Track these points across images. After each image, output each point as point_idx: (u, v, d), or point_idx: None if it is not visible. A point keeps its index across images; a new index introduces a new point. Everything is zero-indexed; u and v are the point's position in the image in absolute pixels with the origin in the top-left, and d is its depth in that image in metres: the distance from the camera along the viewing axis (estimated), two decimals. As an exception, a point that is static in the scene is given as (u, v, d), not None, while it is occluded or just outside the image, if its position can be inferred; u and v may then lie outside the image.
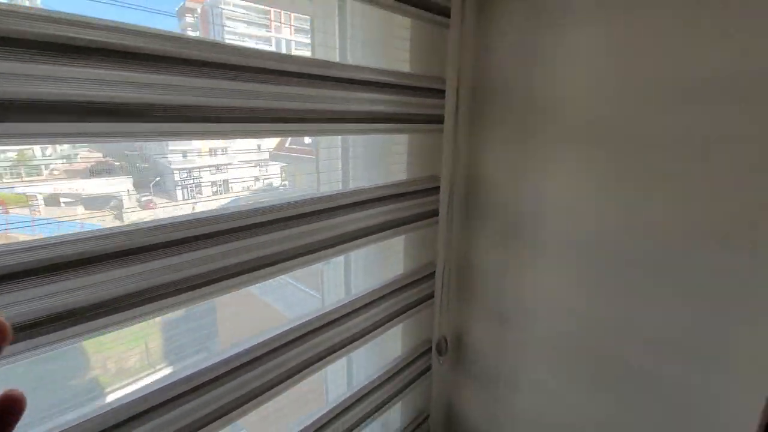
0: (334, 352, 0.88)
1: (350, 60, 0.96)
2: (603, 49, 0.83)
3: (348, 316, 0.90)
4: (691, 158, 0.75)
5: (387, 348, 1.17)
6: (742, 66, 0.67)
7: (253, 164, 1.00)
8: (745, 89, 0.68)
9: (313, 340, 0.83)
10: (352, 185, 1.03)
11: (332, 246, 0.80)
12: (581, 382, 1.00)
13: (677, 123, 0.75)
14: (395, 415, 1.25)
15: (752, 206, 0.70)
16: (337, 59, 0.95)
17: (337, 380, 1.19)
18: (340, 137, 1.00)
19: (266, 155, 1.02)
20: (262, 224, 0.67)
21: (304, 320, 0.80)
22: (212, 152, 0.96)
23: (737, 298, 0.74)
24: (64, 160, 0.78)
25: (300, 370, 0.81)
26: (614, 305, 0.90)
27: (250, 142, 0.99)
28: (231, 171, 0.95)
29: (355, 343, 0.93)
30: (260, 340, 0.73)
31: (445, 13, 0.93)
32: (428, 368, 1.24)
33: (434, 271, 1.15)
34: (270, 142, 1.04)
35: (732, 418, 0.78)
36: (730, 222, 0.72)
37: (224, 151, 0.96)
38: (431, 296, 1.16)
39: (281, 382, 0.77)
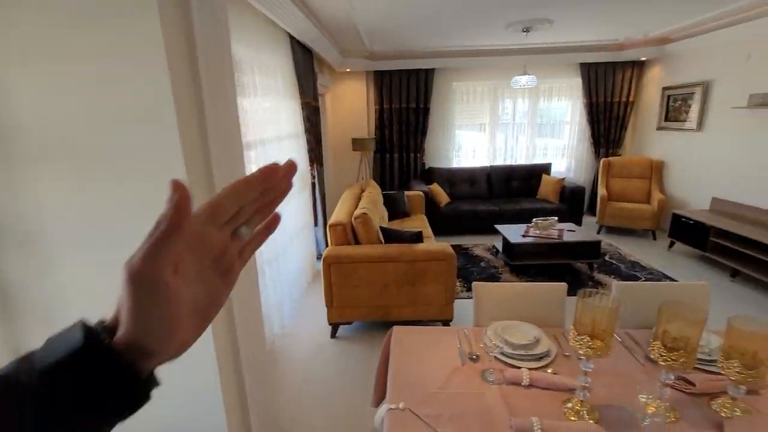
0: None
1: None
2: (47, 89, 1.05)
3: None
4: (120, 160, 1.08)
5: None
6: (127, 102, 1.04)
7: None
8: (145, 113, 1.04)
9: None
10: None
11: None
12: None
13: (113, 137, 1.07)
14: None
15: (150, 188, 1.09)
16: None
17: None
18: None
19: None
20: None
21: None
22: None
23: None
24: None
25: None
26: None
27: None
28: None
29: None
30: None
31: None
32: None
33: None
34: None
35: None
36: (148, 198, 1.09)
37: None
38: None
39: None
